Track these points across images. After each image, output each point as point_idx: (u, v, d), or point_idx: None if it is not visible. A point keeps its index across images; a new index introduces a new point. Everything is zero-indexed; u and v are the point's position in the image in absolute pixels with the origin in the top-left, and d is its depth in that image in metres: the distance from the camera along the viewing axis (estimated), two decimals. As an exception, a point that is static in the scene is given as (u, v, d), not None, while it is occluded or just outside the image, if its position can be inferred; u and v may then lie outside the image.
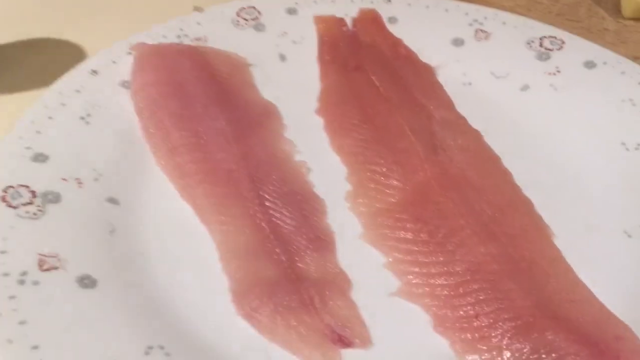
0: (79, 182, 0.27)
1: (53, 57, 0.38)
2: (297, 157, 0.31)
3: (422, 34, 0.37)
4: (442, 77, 0.36)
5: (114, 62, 0.33)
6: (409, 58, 0.36)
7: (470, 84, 0.35)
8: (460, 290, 0.24)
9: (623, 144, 0.31)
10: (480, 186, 0.28)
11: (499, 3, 0.41)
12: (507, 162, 0.31)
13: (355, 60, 0.36)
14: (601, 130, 0.32)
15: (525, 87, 0.35)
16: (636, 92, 0.32)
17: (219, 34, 0.36)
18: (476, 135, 0.31)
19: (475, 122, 0.33)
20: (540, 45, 0.36)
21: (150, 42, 0.34)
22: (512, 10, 0.41)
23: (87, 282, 0.23)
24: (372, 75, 0.34)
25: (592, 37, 0.38)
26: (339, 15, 0.38)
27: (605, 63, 0.34)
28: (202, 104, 0.30)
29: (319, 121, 0.33)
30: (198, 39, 0.35)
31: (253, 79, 0.35)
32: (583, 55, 0.35)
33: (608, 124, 0.32)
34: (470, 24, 0.38)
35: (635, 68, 0.34)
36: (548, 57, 0.35)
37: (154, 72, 0.31)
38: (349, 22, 0.38)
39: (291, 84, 0.35)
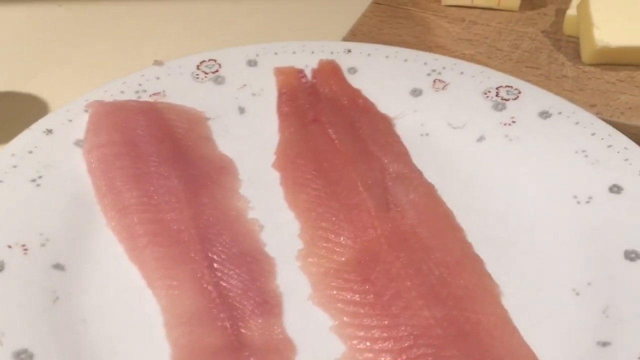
0: (25, 249, 0.27)
1: (14, 111, 0.39)
2: (251, 214, 0.31)
3: (381, 84, 0.38)
4: (400, 128, 0.36)
5: (70, 120, 0.33)
6: (367, 109, 0.36)
7: (427, 134, 0.36)
8: (404, 356, 0.24)
9: (575, 197, 0.31)
10: (430, 245, 0.28)
11: (460, 51, 0.42)
12: (461, 217, 0.31)
13: (313, 112, 0.36)
14: (554, 183, 0.32)
15: (481, 138, 0.35)
16: (589, 143, 0.33)
17: (177, 88, 0.36)
18: (430, 190, 0.31)
19: (431, 175, 0.33)
20: (497, 95, 0.36)
21: (108, 98, 0.35)
22: (472, 58, 0.41)
23: (23, 357, 0.23)
24: (329, 127, 0.35)
25: (551, 84, 0.39)
26: (299, 66, 0.39)
27: (560, 113, 0.34)
28: (156, 163, 0.31)
29: (275, 175, 0.34)
30: (156, 94, 0.36)
31: (211, 133, 0.35)
32: (538, 105, 0.35)
33: (560, 176, 0.32)
34: (429, 74, 0.38)
35: (590, 118, 0.34)
36: (504, 107, 0.35)
37: (108, 131, 0.31)
38: (309, 73, 0.39)
39: (250, 137, 0.35)
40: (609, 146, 0.32)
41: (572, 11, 0.42)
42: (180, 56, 0.38)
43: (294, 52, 0.39)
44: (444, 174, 0.33)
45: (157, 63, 0.37)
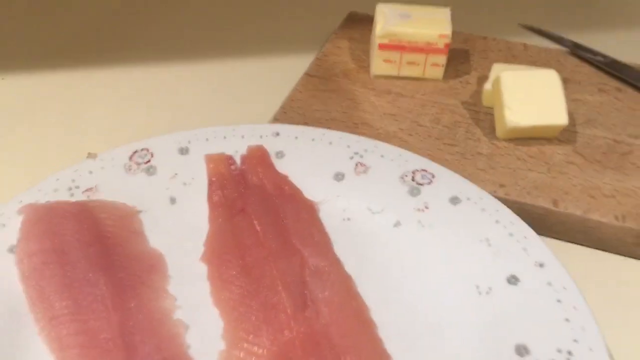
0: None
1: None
2: (178, 313, 0.33)
3: (307, 168, 0.40)
4: (323, 213, 0.38)
5: (3, 225, 0.35)
6: (292, 196, 0.38)
7: (349, 219, 0.38)
8: None
9: (477, 287, 0.33)
10: (341, 345, 0.30)
11: (384, 128, 0.44)
12: (374, 310, 0.33)
13: (241, 202, 0.38)
14: (459, 272, 0.34)
15: (397, 224, 0.37)
16: (492, 231, 0.35)
17: (110, 182, 0.38)
18: (346, 284, 0.34)
19: (350, 262, 0.35)
20: (413, 179, 0.39)
21: (41, 198, 0.36)
22: (395, 134, 0.44)
23: None
24: (254, 219, 0.37)
25: (466, 163, 0.41)
26: (230, 151, 0.41)
27: (469, 199, 0.37)
28: (85, 269, 0.32)
29: (204, 269, 0.35)
30: (89, 190, 0.37)
31: (142, 227, 0.37)
32: (450, 190, 0.38)
33: (465, 265, 0.34)
34: (352, 157, 0.40)
35: (495, 205, 0.36)
36: (419, 193, 0.38)
37: (38, 239, 0.33)
38: (240, 158, 0.41)
39: (180, 228, 0.37)
40: (510, 235, 0.35)
41: (488, 85, 0.45)
42: (120, 131, 0.40)
43: (225, 137, 0.41)
44: (363, 261, 0.35)
45: (91, 156, 0.39)
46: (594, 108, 0.46)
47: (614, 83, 0.49)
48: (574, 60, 0.52)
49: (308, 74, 0.49)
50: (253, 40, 0.58)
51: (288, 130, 0.42)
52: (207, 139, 0.41)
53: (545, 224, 0.38)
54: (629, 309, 0.35)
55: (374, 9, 0.49)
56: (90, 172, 0.38)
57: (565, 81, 0.49)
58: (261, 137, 0.41)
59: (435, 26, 0.47)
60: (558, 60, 0.51)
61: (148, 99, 0.51)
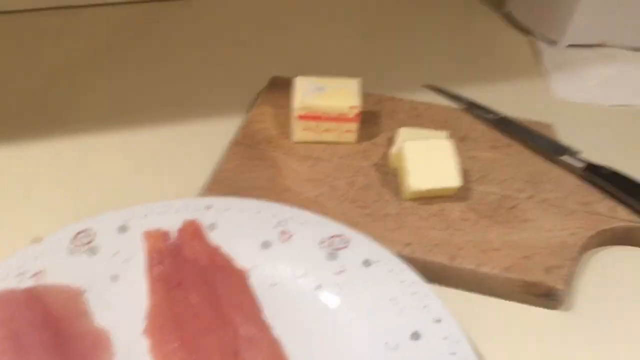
0: None
1: None
2: (123, 389, 0.37)
3: (237, 238, 0.45)
4: (253, 280, 0.43)
5: (-44, 316, 0.38)
6: (225, 267, 0.43)
7: (276, 284, 0.43)
8: None
9: (386, 343, 0.39)
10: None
11: (305, 194, 0.49)
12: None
13: (178, 275, 0.42)
14: (371, 330, 0.40)
15: (318, 287, 0.42)
16: (399, 290, 0.41)
17: (55, 265, 0.42)
18: (275, 349, 0.39)
19: (279, 326, 0.40)
20: (330, 244, 0.44)
21: (-8, 285, 0.39)
22: (315, 199, 0.49)
23: None
24: (191, 292, 0.41)
25: (375, 224, 0.47)
26: (166, 226, 0.45)
27: (379, 261, 0.43)
28: (38, 355, 0.36)
29: (147, 344, 0.40)
30: (37, 274, 0.41)
31: (87, 307, 0.40)
32: (363, 253, 0.43)
33: (376, 323, 0.40)
34: (276, 226, 0.45)
35: (400, 266, 0.42)
36: (336, 257, 0.43)
37: (-7, 329, 0.36)
38: (175, 234, 0.45)
39: (123, 305, 0.41)
40: (413, 293, 0.41)
41: (394, 150, 0.51)
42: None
43: (161, 213, 0.46)
44: (289, 324, 0.40)
45: (36, 240, 0.42)
46: (487, 165, 0.53)
47: (505, 139, 0.56)
48: (470, 118, 0.59)
49: (235, 142, 0.54)
50: (181, 106, 0.62)
51: (219, 203, 0.46)
52: (145, 215, 0.45)
53: (444, 276, 0.45)
54: (517, 351, 0.42)
55: (294, 71, 0.54)
56: (36, 257, 0.42)
57: (463, 139, 0.56)
58: (195, 210, 0.46)
59: (346, 98, 0.52)
60: (456, 118, 0.58)
61: (82, 173, 0.54)
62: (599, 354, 0.42)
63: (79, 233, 0.43)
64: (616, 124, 0.63)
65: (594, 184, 0.51)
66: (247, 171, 0.51)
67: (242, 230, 0.45)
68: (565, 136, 0.57)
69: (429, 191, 0.48)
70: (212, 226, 0.45)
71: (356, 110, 0.52)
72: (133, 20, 0.75)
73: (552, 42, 0.74)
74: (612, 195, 0.50)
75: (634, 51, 0.73)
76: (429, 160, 0.48)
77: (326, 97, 0.52)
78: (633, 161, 0.56)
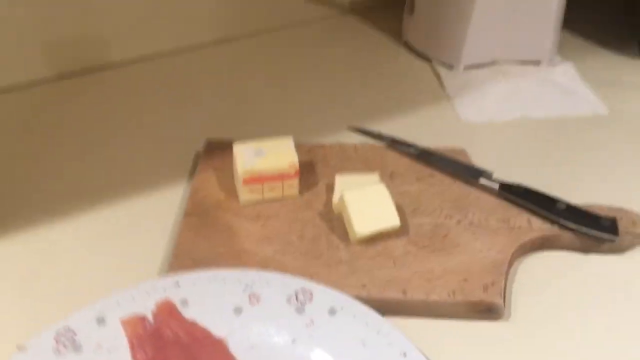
0: None
1: None
2: None
3: (210, 310, 0.48)
4: (232, 346, 0.47)
5: None
6: (204, 339, 0.47)
7: (253, 347, 0.47)
8: None
9: (362, 383, 0.44)
10: None
11: (262, 253, 0.54)
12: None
13: (161, 356, 0.45)
14: (348, 373, 0.45)
15: (294, 341, 0.47)
16: (365, 332, 0.46)
17: (44, 369, 0.44)
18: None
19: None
20: (296, 299, 0.49)
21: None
22: (272, 257, 0.53)
23: None
24: (179, 370, 0.44)
25: (331, 272, 0.52)
26: (141, 310, 0.48)
27: (342, 308, 0.48)
28: None
29: None
30: (27, 382, 0.43)
31: (84, 403, 0.43)
32: (327, 303, 0.48)
33: (351, 366, 0.45)
34: (244, 291, 0.49)
35: (361, 308, 0.47)
36: (304, 310, 0.48)
37: None
38: (151, 316, 0.48)
39: (116, 393, 0.44)
40: (377, 332, 0.46)
41: (335, 199, 0.57)
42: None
43: (133, 298, 0.48)
44: (273, 382, 0.45)
45: (20, 348, 0.44)
46: (416, 197, 0.59)
47: (427, 170, 0.63)
48: (394, 154, 0.65)
49: (186, 213, 0.57)
50: (120, 184, 0.63)
51: (185, 278, 0.50)
52: (118, 304, 0.48)
53: (400, 308, 0.50)
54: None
55: (223, 131, 0.58)
56: (24, 366, 0.43)
57: (392, 176, 0.62)
58: (164, 290, 0.49)
59: (284, 157, 0.57)
60: (382, 156, 0.64)
61: (35, 272, 0.54)
62: (540, 354, 0.49)
63: (59, 334, 0.45)
64: (516, 139, 0.72)
65: (509, 201, 0.59)
66: (204, 240, 0.55)
67: (213, 301, 0.49)
68: (477, 158, 0.65)
69: (372, 234, 0.54)
70: (184, 302, 0.48)
71: (295, 167, 0.57)
72: (47, 102, 0.76)
73: (450, 66, 0.83)
74: (526, 209, 0.57)
75: (522, 65, 0.83)
76: (368, 205, 0.54)
77: (266, 160, 0.57)
78: (536, 171, 0.64)
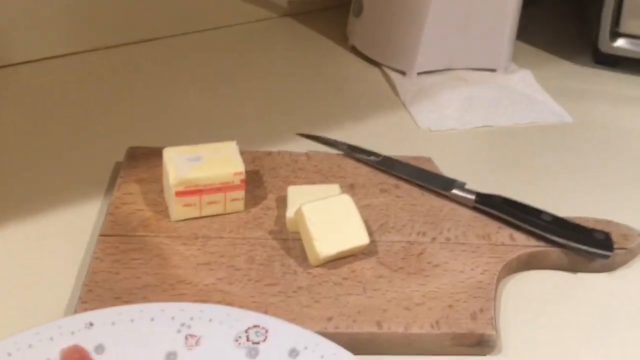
0: None
1: None
2: None
3: (133, 357, 0.37)
4: (165, 404, 0.36)
5: None
6: (127, 397, 0.36)
7: (193, 402, 0.36)
8: None
9: None
10: None
11: (201, 282, 0.43)
12: None
13: (69, 423, 0.34)
14: None
15: (244, 394, 0.37)
16: (336, 377, 0.37)
17: None
18: None
19: None
20: (247, 339, 0.38)
21: None
22: (215, 287, 0.43)
23: None
24: None
25: (290, 302, 0.42)
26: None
27: (306, 348, 0.38)
28: None
29: None
30: None
31: None
32: (286, 343, 0.38)
33: None
34: (179, 330, 0.38)
35: (330, 348, 0.38)
36: (257, 353, 0.38)
37: None
38: (55, 367, 0.36)
39: None
40: (352, 377, 0.37)
41: (290, 214, 0.47)
42: None
43: (30, 346, 0.36)
44: None
45: None
46: (382, 211, 0.51)
47: (392, 180, 0.54)
48: (352, 163, 0.56)
49: (104, 235, 0.46)
50: (22, 200, 0.52)
51: (101, 317, 0.38)
52: (9, 354, 0.36)
53: (375, 345, 0.41)
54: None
55: (150, 139, 0.48)
56: None
57: (351, 187, 0.53)
58: (73, 333, 0.37)
59: (228, 165, 0.47)
60: (339, 165, 0.56)
61: None
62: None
63: None
64: (482, 147, 0.65)
65: (486, 214, 0.51)
66: (126, 268, 0.43)
67: (138, 346, 0.38)
68: (443, 168, 0.57)
69: (337, 254, 0.44)
70: (100, 348, 0.37)
71: (242, 176, 0.47)
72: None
73: (402, 73, 0.76)
74: (507, 223, 0.50)
75: (477, 71, 0.77)
76: (332, 221, 0.45)
77: (205, 167, 0.47)
78: (507, 182, 0.58)
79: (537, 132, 0.68)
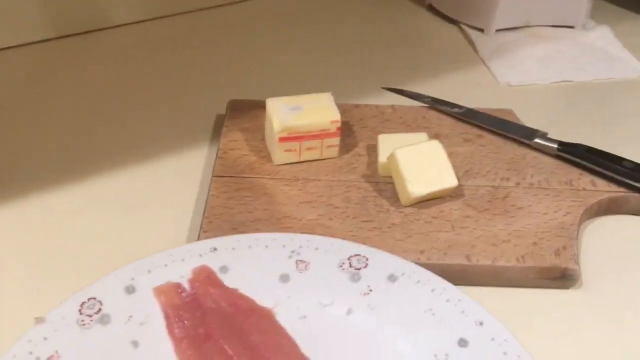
0: None
1: None
2: None
3: (253, 277, 0.42)
4: (280, 317, 0.41)
5: None
6: (250, 310, 0.41)
7: (305, 317, 0.41)
8: None
9: (435, 356, 0.39)
10: None
11: (305, 217, 0.48)
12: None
13: (203, 328, 0.39)
14: (416, 346, 0.39)
15: (349, 312, 0.41)
16: (432, 300, 0.41)
17: (68, 342, 0.37)
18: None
19: (319, 359, 0.39)
20: (350, 265, 0.43)
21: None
22: (317, 222, 0.48)
23: None
24: (223, 343, 0.39)
25: (385, 236, 0.47)
26: (175, 279, 0.42)
27: (403, 274, 0.42)
28: None
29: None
30: (51, 357, 0.37)
31: (112, 383, 0.37)
32: (385, 269, 0.43)
33: (419, 338, 0.39)
34: (290, 256, 0.44)
35: (426, 274, 0.42)
36: (359, 277, 0.42)
37: None
38: (188, 284, 0.42)
39: (150, 372, 0.38)
40: (447, 300, 0.41)
41: (383, 159, 0.51)
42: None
43: (166, 265, 0.42)
44: (331, 356, 0.39)
45: (39, 321, 0.38)
46: (467, 158, 0.54)
47: (475, 130, 0.58)
48: (436, 114, 0.60)
49: (217, 176, 0.51)
50: (136, 146, 0.58)
51: (223, 243, 0.44)
52: (149, 271, 0.42)
53: (464, 276, 0.45)
54: (548, 336, 0.43)
55: (248, 94, 0.53)
56: (45, 339, 0.37)
57: (436, 137, 0.56)
58: (200, 255, 0.43)
59: (325, 114, 0.51)
60: (424, 117, 0.59)
61: (52, 238, 0.49)
62: (615, 324, 0.44)
63: (83, 304, 0.39)
64: (563, 101, 0.67)
65: (568, 162, 0.54)
66: (239, 204, 0.49)
67: (256, 268, 0.43)
68: (524, 119, 0.60)
69: (428, 195, 0.48)
70: (224, 269, 0.43)
71: (337, 125, 0.51)
72: (50, 62, 0.70)
73: (480, 30, 0.77)
74: (589, 170, 0.53)
75: (555, 28, 0.78)
76: (422, 164, 0.48)
77: (305, 115, 0.51)
78: (589, 133, 0.59)
79: (617, 86, 0.69)
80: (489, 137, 0.57)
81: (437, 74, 0.70)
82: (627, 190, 0.51)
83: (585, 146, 0.53)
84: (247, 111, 0.58)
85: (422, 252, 0.45)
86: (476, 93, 0.67)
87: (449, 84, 0.68)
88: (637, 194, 0.51)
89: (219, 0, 0.81)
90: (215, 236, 0.45)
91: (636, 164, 0.51)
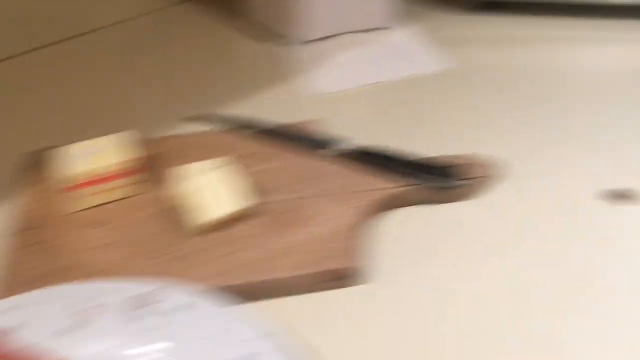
0: None
1: None
2: None
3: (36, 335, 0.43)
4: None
5: None
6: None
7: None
8: None
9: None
10: None
11: (103, 261, 0.49)
12: None
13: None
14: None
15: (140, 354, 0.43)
16: (220, 324, 0.43)
17: None
18: None
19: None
20: (139, 304, 0.44)
21: None
22: (117, 262, 0.49)
23: None
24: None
25: (181, 266, 0.48)
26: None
27: (193, 303, 0.44)
28: None
29: None
30: None
31: None
32: (174, 301, 0.44)
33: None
34: (72, 309, 0.44)
35: (216, 299, 0.44)
36: (142, 316, 0.44)
37: None
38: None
39: None
40: (236, 320, 0.43)
41: (178, 190, 0.53)
42: None
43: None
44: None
45: None
46: (267, 176, 0.57)
47: (276, 147, 0.60)
48: (240, 136, 0.62)
49: (16, 232, 0.51)
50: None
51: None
52: None
53: (261, 292, 0.48)
54: (341, 333, 0.46)
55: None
56: None
57: (240, 158, 0.58)
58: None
59: (119, 154, 0.53)
60: (227, 141, 0.61)
61: None
62: (405, 310, 0.48)
63: None
64: (369, 104, 0.71)
65: (353, 166, 0.58)
66: (32, 259, 0.49)
67: (38, 325, 0.43)
68: (332, 127, 0.64)
69: (224, 218, 0.51)
70: (4, 332, 0.43)
71: (135, 162, 0.53)
72: None
73: (292, 43, 0.81)
74: (370, 171, 0.57)
75: (364, 32, 0.83)
76: (216, 189, 0.51)
77: (98, 159, 0.52)
78: (395, 133, 0.65)
79: (418, 82, 0.74)
80: (289, 152, 0.60)
81: (250, 93, 0.72)
82: (404, 186, 0.56)
83: (360, 150, 0.59)
84: (44, 161, 0.58)
85: (219, 275, 0.48)
86: (292, 107, 0.70)
87: (263, 101, 0.71)
88: (412, 187, 0.56)
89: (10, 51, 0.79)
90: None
91: (408, 160, 0.57)
